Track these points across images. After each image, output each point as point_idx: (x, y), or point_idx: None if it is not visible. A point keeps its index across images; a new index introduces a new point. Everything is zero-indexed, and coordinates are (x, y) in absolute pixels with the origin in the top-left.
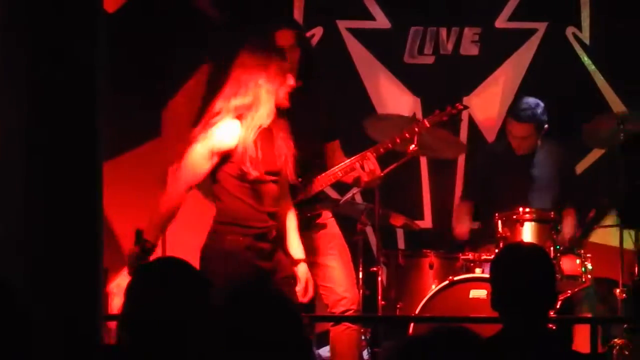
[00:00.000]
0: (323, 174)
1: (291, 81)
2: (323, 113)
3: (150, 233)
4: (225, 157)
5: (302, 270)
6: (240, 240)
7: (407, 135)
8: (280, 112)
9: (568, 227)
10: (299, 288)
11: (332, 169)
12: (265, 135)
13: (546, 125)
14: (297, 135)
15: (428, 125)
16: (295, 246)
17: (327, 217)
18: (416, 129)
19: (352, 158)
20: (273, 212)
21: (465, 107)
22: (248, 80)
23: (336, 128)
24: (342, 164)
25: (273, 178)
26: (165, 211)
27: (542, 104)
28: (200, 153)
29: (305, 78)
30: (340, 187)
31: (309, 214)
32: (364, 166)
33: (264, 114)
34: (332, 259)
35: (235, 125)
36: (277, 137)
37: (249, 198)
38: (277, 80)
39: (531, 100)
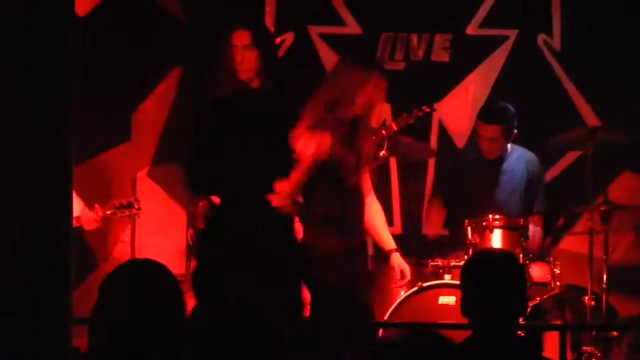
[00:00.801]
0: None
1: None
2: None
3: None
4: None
5: (396, 260)
6: (335, 243)
7: (374, 138)
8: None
9: (536, 234)
10: (398, 276)
11: None
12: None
13: (515, 131)
14: (260, 139)
15: (395, 128)
16: (385, 238)
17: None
18: (383, 132)
19: None
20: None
21: (433, 110)
22: (350, 92)
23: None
24: None
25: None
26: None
27: (512, 109)
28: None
29: (266, 78)
30: None
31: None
32: None
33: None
34: None
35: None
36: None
37: (342, 201)
38: (377, 95)
39: (501, 104)
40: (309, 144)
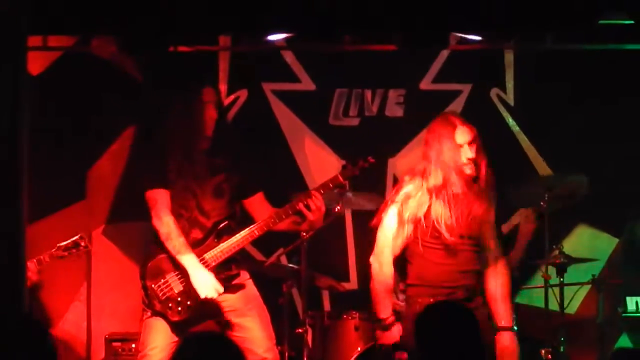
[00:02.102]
0: (247, 230)
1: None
2: (237, 172)
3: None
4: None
5: (503, 339)
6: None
7: (321, 191)
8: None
9: None
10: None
11: (257, 223)
12: (459, 199)
13: None
14: (212, 195)
15: (342, 179)
16: (499, 312)
17: (244, 277)
18: (330, 184)
19: (292, 201)
20: (466, 270)
21: (376, 161)
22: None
23: (253, 184)
24: (274, 213)
25: (467, 241)
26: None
27: None
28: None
29: (218, 138)
30: (266, 248)
31: (223, 275)
32: (310, 205)
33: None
34: (250, 320)
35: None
36: (471, 201)
37: (439, 258)
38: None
39: None
40: None
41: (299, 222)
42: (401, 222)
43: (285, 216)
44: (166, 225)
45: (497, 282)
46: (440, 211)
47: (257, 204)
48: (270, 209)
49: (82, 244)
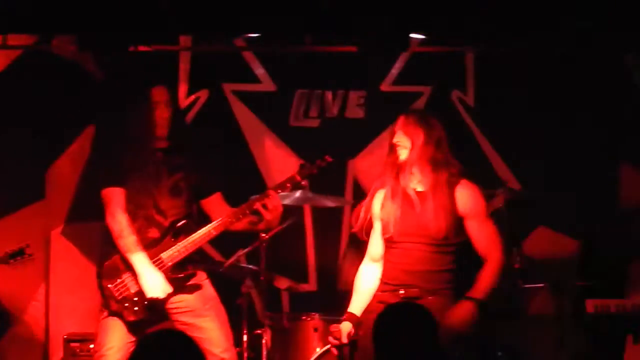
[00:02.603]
0: (204, 229)
1: None
2: (194, 171)
3: None
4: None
5: (458, 305)
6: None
7: (279, 190)
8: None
9: None
10: None
11: (216, 222)
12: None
13: None
14: (169, 194)
15: (299, 179)
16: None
17: (201, 278)
18: (288, 185)
19: (250, 200)
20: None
21: (334, 160)
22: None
23: (211, 184)
24: (231, 212)
25: (422, 241)
26: None
27: None
28: None
29: (176, 138)
30: (225, 249)
31: (180, 274)
32: (267, 204)
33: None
34: (208, 321)
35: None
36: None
37: (390, 256)
38: None
39: None
40: None
41: (256, 222)
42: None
43: (242, 216)
44: (118, 223)
45: (482, 269)
46: (389, 209)
47: (215, 204)
48: (228, 209)
49: (28, 252)
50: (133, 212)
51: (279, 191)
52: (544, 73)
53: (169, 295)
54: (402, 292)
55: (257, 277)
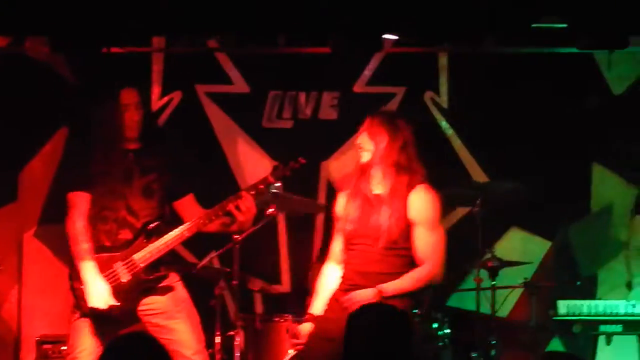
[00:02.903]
0: (177, 231)
1: None
2: (167, 173)
3: None
4: None
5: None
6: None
7: (252, 193)
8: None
9: None
10: None
11: (189, 223)
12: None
13: None
14: (141, 195)
15: (272, 180)
16: None
17: (173, 279)
18: (261, 185)
19: (222, 202)
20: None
21: (307, 162)
22: None
23: (184, 185)
24: (203, 214)
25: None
26: None
27: None
28: None
29: (148, 139)
30: (198, 250)
31: (152, 276)
32: (240, 206)
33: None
34: (179, 322)
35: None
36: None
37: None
38: None
39: None
40: None
41: (229, 224)
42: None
43: (215, 217)
44: (75, 229)
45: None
46: (349, 210)
47: (187, 206)
48: (201, 210)
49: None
50: (101, 216)
51: (252, 192)
52: (516, 74)
53: (112, 308)
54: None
55: (230, 278)
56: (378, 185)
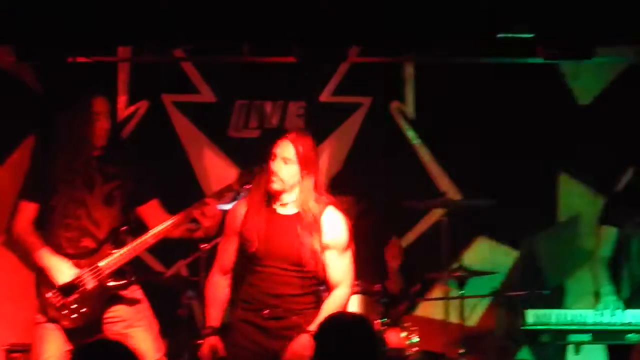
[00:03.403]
0: (142, 238)
1: None
2: (129, 179)
3: None
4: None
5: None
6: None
7: (217, 199)
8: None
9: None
10: None
11: (159, 225)
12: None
13: None
14: (102, 203)
15: (237, 187)
16: None
17: (134, 288)
18: (226, 194)
19: (188, 209)
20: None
21: (261, 169)
22: None
23: (147, 190)
24: (173, 217)
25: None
26: None
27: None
28: None
29: (112, 147)
30: (165, 259)
31: (115, 284)
32: (205, 212)
33: None
34: (140, 331)
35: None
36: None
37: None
38: None
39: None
40: None
41: (194, 229)
42: None
43: (179, 224)
44: (18, 230)
45: (326, 301)
46: (252, 226)
47: (152, 212)
48: (166, 216)
49: None
50: (66, 223)
51: (217, 199)
52: (482, 84)
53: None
54: (266, 311)
55: (197, 287)
56: (287, 205)
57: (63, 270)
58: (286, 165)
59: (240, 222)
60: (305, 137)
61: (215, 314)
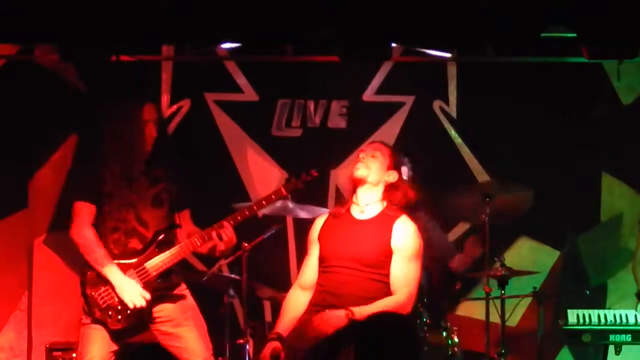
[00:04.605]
0: (181, 244)
1: None
2: (175, 182)
3: None
4: None
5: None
6: None
7: (264, 203)
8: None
9: None
10: None
11: (189, 239)
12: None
13: None
14: (151, 205)
15: (285, 193)
16: None
17: (182, 288)
18: (273, 197)
19: (209, 228)
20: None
21: (319, 174)
22: None
23: (185, 199)
24: (199, 234)
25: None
26: None
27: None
28: None
29: (157, 149)
30: (206, 259)
31: (164, 285)
32: (221, 235)
33: None
34: (188, 330)
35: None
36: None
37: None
38: None
39: None
40: None
41: (213, 249)
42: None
43: (202, 242)
44: (85, 238)
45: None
46: (328, 231)
47: (182, 220)
48: (193, 227)
49: None
50: (113, 227)
51: (264, 203)
52: (526, 82)
53: (149, 302)
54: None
55: (239, 286)
56: (363, 210)
57: (134, 292)
58: (374, 158)
59: (318, 231)
60: (394, 150)
61: (285, 325)
